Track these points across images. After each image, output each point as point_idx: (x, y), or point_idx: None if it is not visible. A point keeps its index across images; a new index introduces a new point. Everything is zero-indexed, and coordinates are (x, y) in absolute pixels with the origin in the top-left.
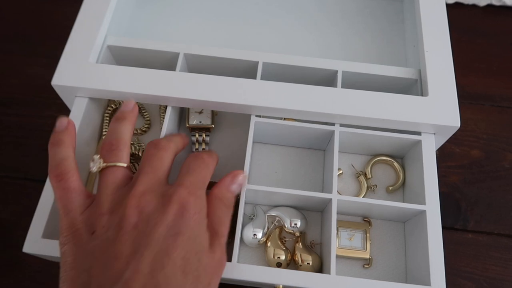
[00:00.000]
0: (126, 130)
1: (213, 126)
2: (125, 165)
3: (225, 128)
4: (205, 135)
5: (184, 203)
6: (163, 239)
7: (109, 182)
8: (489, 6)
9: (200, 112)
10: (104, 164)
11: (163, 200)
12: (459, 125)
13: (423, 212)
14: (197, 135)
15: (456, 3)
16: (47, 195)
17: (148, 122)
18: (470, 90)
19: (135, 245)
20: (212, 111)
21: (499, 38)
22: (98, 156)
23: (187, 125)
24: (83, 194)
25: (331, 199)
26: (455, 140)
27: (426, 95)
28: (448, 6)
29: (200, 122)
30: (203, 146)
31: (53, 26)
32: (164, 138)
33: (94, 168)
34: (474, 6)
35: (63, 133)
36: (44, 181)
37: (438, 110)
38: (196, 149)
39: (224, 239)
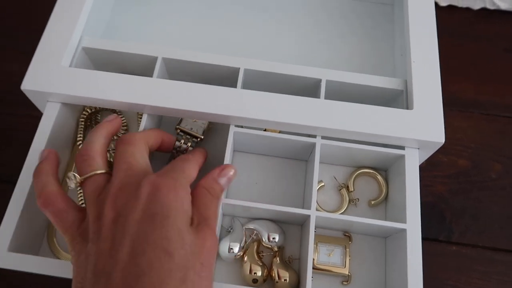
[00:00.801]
0: (97, 138)
1: (202, 137)
2: (103, 171)
3: (205, 136)
4: (190, 145)
5: (155, 183)
6: (139, 224)
7: (91, 192)
8: (483, 10)
9: (195, 120)
10: (82, 178)
11: (135, 188)
12: (443, 141)
13: (403, 230)
14: (182, 141)
15: (450, 6)
16: (15, 205)
17: (125, 127)
18: (460, 97)
19: (114, 238)
20: (209, 123)
21: (492, 43)
22: (72, 173)
23: (177, 126)
24: (74, 210)
25: (309, 215)
26: (442, 149)
27: (411, 108)
28: (441, 8)
29: (191, 129)
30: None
31: (33, 20)
32: (132, 133)
33: (72, 185)
34: (467, 9)
35: (42, 163)
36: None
37: (422, 125)
38: (174, 156)
39: (211, 221)
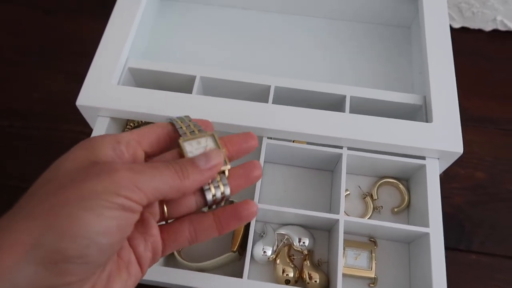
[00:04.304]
0: None
1: (229, 167)
2: None
3: None
4: (222, 185)
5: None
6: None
7: None
8: (495, 31)
9: (196, 140)
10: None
11: None
12: (462, 151)
13: (426, 235)
14: (211, 188)
15: (462, 28)
16: None
17: None
18: (474, 113)
19: None
20: (219, 148)
21: (504, 63)
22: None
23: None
24: None
25: (338, 219)
26: (459, 162)
27: (431, 121)
28: (454, 30)
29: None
30: (221, 189)
31: (73, 43)
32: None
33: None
34: (480, 30)
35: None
36: None
37: (442, 136)
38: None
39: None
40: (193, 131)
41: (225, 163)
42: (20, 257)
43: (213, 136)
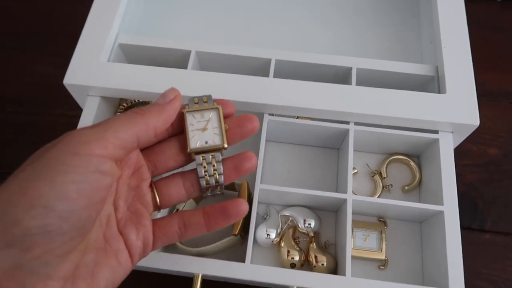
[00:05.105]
0: None
1: (225, 146)
2: None
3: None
4: (216, 161)
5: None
6: None
7: None
8: (506, 1)
9: (204, 129)
10: None
11: None
12: (478, 124)
13: (440, 213)
14: (204, 162)
15: None
16: None
17: None
18: (487, 87)
19: None
20: (221, 124)
21: None
22: None
23: (188, 150)
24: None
25: (346, 199)
26: (472, 138)
27: (444, 92)
28: (466, 0)
29: (206, 142)
30: (215, 174)
31: (64, 25)
32: None
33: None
34: (492, 1)
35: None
36: None
37: (456, 108)
38: (206, 182)
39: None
40: (204, 101)
41: (223, 142)
42: None
43: (217, 110)
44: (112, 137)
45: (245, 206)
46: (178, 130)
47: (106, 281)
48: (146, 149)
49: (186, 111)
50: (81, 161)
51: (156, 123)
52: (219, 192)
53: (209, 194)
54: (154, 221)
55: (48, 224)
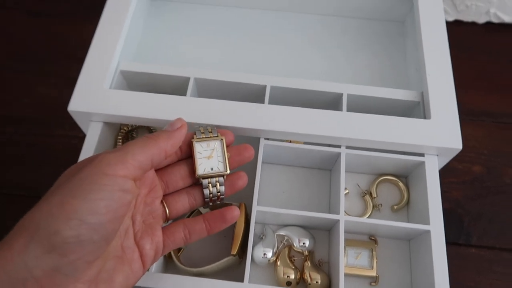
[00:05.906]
0: None
1: (228, 172)
2: None
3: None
4: (219, 184)
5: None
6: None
7: None
8: (488, 24)
9: (210, 157)
10: None
11: None
12: (461, 148)
13: (427, 232)
14: (210, 186)
15: (456, 21)
16: None
17: None
18: (470, 107)
19: None
20: (224, 153)
21: (499, 55)
22: None
23: (197, 176)
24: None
25: (339, 220)
26: (456, 156)
27: (429, 117)
28: (448, 23)
29: (212, 169)
30: (218, 194)
31: (64, 47)
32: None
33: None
34: (473, 23)
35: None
36: None
37: (440, 133)
38: (209, 199)
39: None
40: (209, 131)
41: (226, 169)
42: (28, 240)
43: (221, 140)
44: (131, 159)
45: (237, 211)
46: (187, 154)
47: (120, 286)
48: (160, 171)
49: (195, 141)
50: (109, 181)
51: (166, 146)
52: (218, 203)
53: (210, 204)
54: (163, 230)
55: (81, 234)
